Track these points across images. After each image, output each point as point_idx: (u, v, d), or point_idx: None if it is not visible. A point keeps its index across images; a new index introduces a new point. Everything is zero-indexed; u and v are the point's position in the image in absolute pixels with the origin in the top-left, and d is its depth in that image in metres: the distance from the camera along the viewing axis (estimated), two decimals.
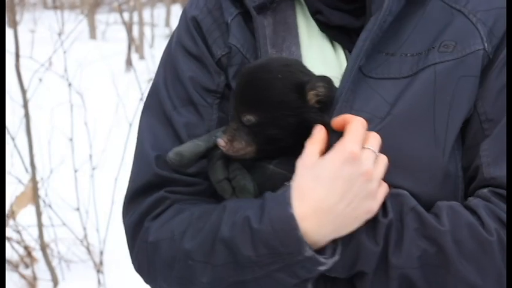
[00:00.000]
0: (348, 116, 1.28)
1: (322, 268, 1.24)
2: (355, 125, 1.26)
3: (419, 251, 1.26)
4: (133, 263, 1.46)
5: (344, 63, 1.39)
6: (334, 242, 1.26)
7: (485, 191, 1.32)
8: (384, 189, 1.28)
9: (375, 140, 1.28)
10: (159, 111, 1.45)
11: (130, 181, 1.47)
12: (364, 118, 1.29)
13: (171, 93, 1.45)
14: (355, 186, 1.24)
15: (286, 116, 1.29)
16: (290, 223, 1.22)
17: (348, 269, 1.27)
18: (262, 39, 1.39)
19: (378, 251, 1.26)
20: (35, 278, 4.41)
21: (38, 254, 4.49)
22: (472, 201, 1.32)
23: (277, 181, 1.30)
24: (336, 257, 1.26)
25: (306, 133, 1.29)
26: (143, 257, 1.40)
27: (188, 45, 1.46)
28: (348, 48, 1.41)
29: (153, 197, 1.40)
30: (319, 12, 1.43)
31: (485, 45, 1.36)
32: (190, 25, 1.47)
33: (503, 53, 1.37)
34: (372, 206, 1.26)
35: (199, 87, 1.43)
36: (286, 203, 1.24)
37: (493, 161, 1.33)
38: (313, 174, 1.25)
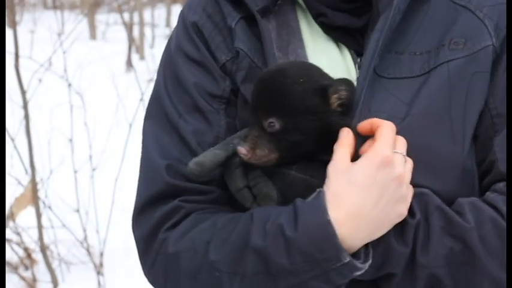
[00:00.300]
0: (375, 120, 1.28)
1: (358, 273, 1.24)
2: (385, 129, 1.26)
3: (446, 250, 1.27)
4: (147, 275, 1.42)
5: (350, 64, 1.39)
6: (366, 246, 1.26)
7: (501, 185, 1.33)
8: (411, 192, 1.28)
9: (402, 143, 1.28)
10: (164, 120, 1.42)
11: (139, 192, 1.43)
12: (383, 118, 1.29)
13: (175, 100, 1.42)
14: (388, 190, 1.24)
15: (310, 121, 1.27)
16: (327, 230, 1.21)
17: (376, 271, 1.27)
18: (269, 42, 1.37)
19: (407, 252, 1.27)
20: (34, 279, 4.40)
21: (37, 255, 4.48)
22: (490, 196, 1.33)
23: (300, 187, 1.29)
24: (370, 261, 1.25)
25: (328, 138, 1.28)
26: (161, 269, 1.37)
27: (190, 51, 1.44)
28: (353, 49, 1.40)
29: (167, 207, 1.36)
30: (322, 15, 1.41)
31: (494, 40, 1.37)
32: (190, 31, 1.44)
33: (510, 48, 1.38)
34: (403, 210, 1.26)
35: (205, 93, 1.41)
36: (322, 209, 1.22)
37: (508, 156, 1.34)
38: (348, 179, 1.24)
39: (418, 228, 1.27)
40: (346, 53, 1.41)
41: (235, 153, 1.29)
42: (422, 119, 1.32)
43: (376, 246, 1.26)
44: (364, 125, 1.28)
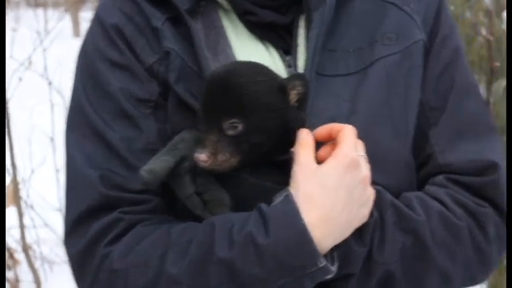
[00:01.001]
0: (335, 125, 1.27)
1: (329, 276, 1.23)
2: (347, 132, 1.25)
3: (399, 245, 1.28)
4: None
5: (278, 62, 1.38)
6: (330, 249, 1.25)
7: (440, 177, 1.35)
8: (373, 194, 1.28)
9: (361, 145, 1.27)
10: (88, 130, 1.36)
11: (70, 208, 1.36)
12: (329, 117, 1.29)
13: (99, 108, 1.35)
14: (356, 193, 1.24)
15: (271, 119, 1.24)
16: (303, 235, 1.19)
17: (337, 273, 1.26)
18: (198, 42, 1.34)
19: (365, 251, 1.27)
20: (17, 280, 4.37)
21: (20, 255, 4.44)
22: (431, 189, 1.34)
23: (254, 192, 1.26)
24: (337, 263, 1.24)
25: (285, 136, 1.26)
26: (103, 287, 1.29)
27: (113, 55, 1.37)
28: (280, 47, 1.39)
29: (105, 220, 1.30)
30: (250, 13, 1.39)
31: (423, 35, 1.39)
32: (111, 34, 1.38)
33: (437, 41, 1.40)
34: (366, 212, 1.26)
35: (132, 98, 1.35)
36: (295, 213, 1.19)
37: (446, 148, 1.35)
38: (318, 181, 1.22)
39: (375, 226, 1.27)
40: (273, 52, 1.39)
41: (183, 159, 1.25)
42: (367, 115, 1.32)
43: (337, 248, 1.25)
44: (321, 131, 1.27)
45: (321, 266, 1.20)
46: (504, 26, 3.36)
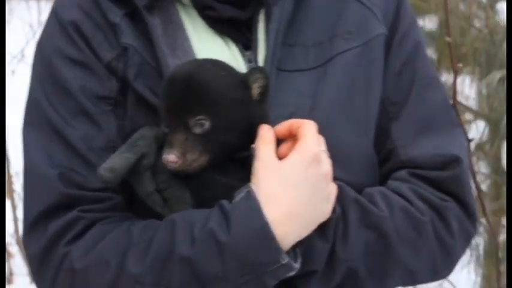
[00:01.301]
0: (294, 121, 1.26)
1: (292, 273, 1.21)
2: (308, 127, 1.24)
3: (363, 241, 1.26)
4: None
5: (238, 57, 1.36)
6: (293, 245, 1.23)
7: (403, 172, 1.34)
8: (335, 190, 1.26)
9: (322, 141, 1.26)
10: (47, 128, 1.33)
11: (28, 207, 1.33)
12: (290, 112, 1.28)
13: (58, 106, 1.33)
14: (318, 188, 1.22)
15: (237, 115, 1.22)
16: (265, 232, 1.17)
17: (300, 270, 1.24)
18: (157, 38, 1.32)
19: (328, 248, 1.25)
20: (11, 273, 4.37)
21: (13, 248, 4.45)
22: (394, 184, 1.33)
23: (215, 188, 1.24)
24: (300, 259, 1.22)
25: (249, 132, 1.24)
26: (64, 287, 1.27)
27: (71, 52, 1.34)
28: (239, 42, 1.37)
29: (64, 219, 1.27)
30: (209, 8, 1.37)
31: (383, 28, 1.38)
32: (69, 30, 1.35)
33: (397, 35, 1.38)
34: (328, 208, 1.24)
35: (91, 96, 1.33)
36: (257, 210, 1.18)
37: (408, 143, 1.34)
38: (280, 177, 1.20)
39: (338, 222, 1.25)
40: (233, 47, 1.37)
41: (143, 156, 1.22)
42: (328, 110, 1.31)
43: (299, 245, 1.23)
44: (281, 128, 1.25)
45: (283, 263, 1.18)
46: (498, 18, 3.37)
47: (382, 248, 1.28)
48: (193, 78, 1.21)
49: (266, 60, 1.33)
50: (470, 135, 3.55)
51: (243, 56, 1.36)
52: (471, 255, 3.52)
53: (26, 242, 1.33)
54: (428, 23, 3.89)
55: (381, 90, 1.37)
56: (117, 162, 1.22)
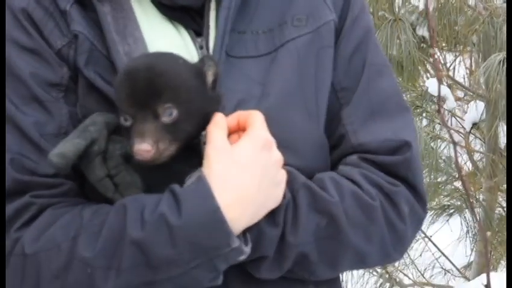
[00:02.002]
0: (241, 112, 1.26)
1: (242, 257, 1.20)
2: (256, 116, 1.24)
3: (313, 226, 1.26)
4: None
5: (190, 45, 1.36)
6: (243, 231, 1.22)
7: (353, 157, 1.34)
8: (285, 177, 1.27)
9: (268, 131, 1.27)
10: None
11: None
12: (240, 99, 1.30)
13: (9, 93, 1.31)
14: (269, 173, 1.22)
15: (198, 103, 1.22)
16: (216, 215, 1.16)
17: (249, 255, 1.22)
18: (107, 25, 1.31)
19: (278, 234, 1.24)
20: None
21: None
22: (344, 169, 1.34)
23: (166, 174, 1.22)
24: (250, 244, 1.21)
25: (204, 120, 1.24)
26: (15, 272, 1.24)
27: (22, 39, 1.33)
28: (191, 29, 1.38)
29: (16, 204, 1.25)
30: None
31: (333, 15, 1.39)
32: (20, 18, 1.34)
33: (347, 22, 1.40)
34: (280, 194, 1.24)
35: (42, 82, 1.31)
36: (207, 193, 1.16)
37: (359, 128, 1.35)
38: (231, 161, 1.19)
39: (288, 207, 1.26)
40: (184, 34, 1.37)
41: (93, 142, 1.22)
42: (278, 97, 1.32)
43: (249, 230, 1.22)
44: (230, 120, 1.25)
45: (234, 246, 1.17)
46: (500, 1, 3.44)
47: (332, 232, 1.27)
48: (156, 68, 1.20)
49: (215, 46, 1.34)
50: (469, 115, 3.67)
51: (194, 42, 1.37)
52: (467, 231, 3.63)
53: None
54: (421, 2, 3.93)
55: (331, 77, 1.38)
56: (67, 147, 1.21)
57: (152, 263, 1.16)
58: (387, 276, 3.33)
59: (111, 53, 1.29)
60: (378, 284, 3.35)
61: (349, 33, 1.39)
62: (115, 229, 1.18)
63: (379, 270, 3.39)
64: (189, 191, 1.17)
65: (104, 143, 1.22)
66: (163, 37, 1.34)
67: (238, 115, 1.24)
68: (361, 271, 3.47)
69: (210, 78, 1.23)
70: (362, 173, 1.32)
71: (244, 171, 1.19)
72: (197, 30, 1.36)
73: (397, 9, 3.37)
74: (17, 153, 1.27)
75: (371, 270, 3.42)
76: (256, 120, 1.23)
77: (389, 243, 1.32)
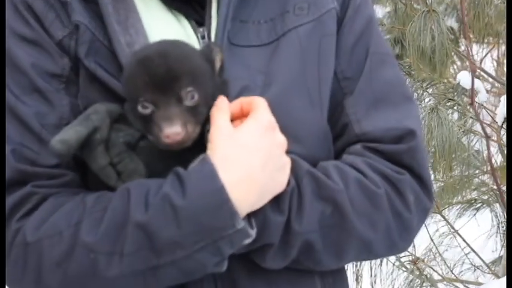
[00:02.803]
0: (244, 98, 1.26)
1: (248, 241, 1.19)
2: (259, 100, 1.24)
3: (318, 214, 1.25)
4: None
5: (191, 34, 1.35)
6: (247, 215, 1.21)
7: (358, 146, 1.34)
8: (289, 163, 1.26)
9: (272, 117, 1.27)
10: None
11: None
12: (243, 86, 1.29)
13: (10, 83, 1.31)
14: (274, 156, 1.22)
15: (211, 88, 1.22)
16: (220, 195, 1.15)
17: (252, 243, 1.22)
18: (108, 16, 1.31)
19: (283, 221, 1.24)
20: None
21: None
22: (348, 157, 1.33)
23: (168, 160, 1.21)
24: (255, 229, 1.21)
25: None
26: (17, 262, 1.23)
27: (22, 30, 1.33)
28: (193, 19, 1.37)
29: (18, 194, 1.25)
30: None
31: (335, 3, 1.38)
32: (21, 9, 1.34)
33: (349, 10, 1.39)
34: (284, 179, 1.24)
35: (44, 73, 1.31)
36: (212, 174, 1.16)
37: (362, 117, 1.34)
38: (235, 142, 1.19)
39: (292, 195, 1.24)
40: (186, 24, 1.36)
41: (95, 130, 1.21)
42: (281, 86, 1.31)
43: (254, 217, 1.21)
44: (233, 106, 1.24)
45: (239, 227, 1.16)
46: None
47: (337, 220, 1.26)
48: (171, 54, 1.19)
49: (217, 33, 1.33)
50: (502, 109, 3.61)
51: (196, 32, 1.36)
52: (497, 225, 3.59)
53: None
54: None
55: (334, 65, 1.37)
56: (69, 134, 1.20)
57: (156, 246, 1.15)
58: (418, 272, 3.28)
59: (113, 44, 1.28)
60: (409, 280, 3.30)
61: (351, 22, 1.38)
62: (118, 213, 1.17)
63: (408, 266, 3.34)
64: (193, 172, 1.17)
65: (107, 131, 1.22)
66: (164, 27, 1.34)
67: (241, 101, 1.23)
68: (390, 267, 3.41)
69: (217, 64, 1.22)
70: (366, 161, 1.30)
71: (248, 152, 1.19)
72: (199, 20, 1.35)
73: (429, 0, 3.31)
74: (18, 144, 1.27)
75: (400, 265, 3.38)
76: (259, 104, 1.22)
77: (395, 232, 1.31)
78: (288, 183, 1.24)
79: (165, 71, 1.17)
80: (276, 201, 1.23)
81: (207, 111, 1.21)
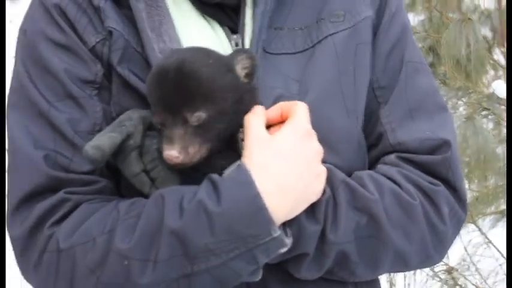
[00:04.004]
0: (284, 103, 1.25)
1: (283, 250, 1.18)
2: (300, 107, 1.23)
3: (353, 224, 1.23)
4: (28, 278, 1.28)
5: (224, 41, 1.35)
6: (282, 224, 1.19)
7: (392, 157, 1.33)
8: (325, 171, 1.24)
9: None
10: (31, 110, 1.30)
11: (13, 189, 1.29)
12: (278, 95, 1.27)
13: (42, 89, 1.30)
14: (310, 164, 1.21)
15: (228, 100, 1.20)
16: (256, 202, 1.14)
17: (288, 252, 1.20)
18: (142, 22, 1.30)
19: (319, 230, 1.22)
20: None
21: None
22: (383, 168, 1.32)
23: (202, 168, 1.21)
24: (291, 238, 1.20)
25: (240, 114, 1.22)
26: (49, 268, 1.23)
27: (56, 36, 1.32)
28: (226, 26, 1.36)
29: (50, 200, 1.24)
30: None
31: (371, 12, 1.37)
32: (54, 14, 1.33)
33: (385, 19, 1.38)
34: (320, 187, 1.23)
35: (76, 79, 1.30)
36: (248, 181, 1.15)
37: (397, 127, 1.34)
38: (273, 149, 1.18)
39: (328, 204, 1.23)
40: (219, 31, 1.36)
41: (129, 136, 1.21)
42: (317, 93, 1.30)
43: (290, 225, 1.20)
44: (272, 112, 1.24)
45: (275, 235, 1.15)
46: None
47: (373, 231, 1.25)
48: (185, 69, 1.19)
49: (252, 42, 1.32)
50: None
51: (230, 39, 1.35)
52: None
53: (10, 225, 1.29)
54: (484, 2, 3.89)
55: (370, 74, 1.36)
56: (103, 140, 1.19)
57: (190, 253, 1.13)
58: (452, 282, 3.25)
59: (146, 50, 1.27)
60: None
61: (386, 30, 1.37)
62: (152, 220, 1.16)
63: (443, 276, 3.32)
64: (228, 179, 1.16)
65: (140, 138, 1.21)
66: (198, 34, 1.33)
67: (281, 105, 1.22)
68: (424, 276, 3.39)
69: (240, 71, 1.21)
70: (401, 172, 1.29)
71: (284, 160, 1.17)
72: (232, 27, 1.34)
73: (465, 8, 3.30)
74: (51, 150, 1.26)
75: (434, 275, 3.35)
76: (299, 110, 1.21)
77: (430, 244, 1.29)
78: (324, 193, 1.23)
79: (174, 91, 1.18)
80: (312, 210, 1.22)
81: (225, 124, 1.20)
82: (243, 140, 1.21)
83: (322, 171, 1.23)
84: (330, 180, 1.24)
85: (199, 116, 1.17)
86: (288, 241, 1.18)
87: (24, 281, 1.32)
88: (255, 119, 1.21)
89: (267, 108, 1.24)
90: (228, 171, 1.17)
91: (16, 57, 1.37)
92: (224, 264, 1.15)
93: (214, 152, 1.21)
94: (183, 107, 1.18)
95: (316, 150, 1.22)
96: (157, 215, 1.16)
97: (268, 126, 1.23)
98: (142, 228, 1.17)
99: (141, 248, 1.16)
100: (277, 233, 1.15)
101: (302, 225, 1.21)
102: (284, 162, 1.18)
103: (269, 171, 1.16)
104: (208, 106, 1.18)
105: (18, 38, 1.38)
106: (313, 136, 1.22)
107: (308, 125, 1.22)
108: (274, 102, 1.27)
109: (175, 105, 1.18)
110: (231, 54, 1.24)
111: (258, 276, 1.20)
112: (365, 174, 1.30)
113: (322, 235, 1.22)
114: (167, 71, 1.19)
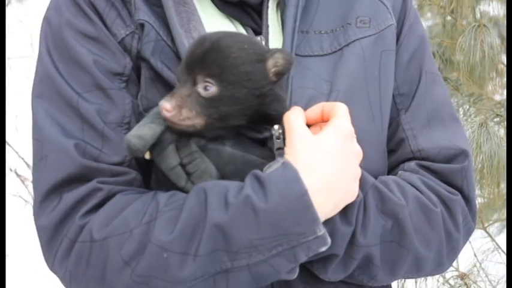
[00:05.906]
0: (325, 103, 1.26)
1: (324, 249, 1.19)
2: (342, 107, 1.24)
3: (380, 228, 1.26)
4: (54, 268, 1.28)
5: None
6: None
7: (412, 164, 1.35)
8: (360, 172, 1.26)
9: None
10: (59, 100, 1.30)
11: (42, 177, 1.28)
12: (310, 95, 1.29)
13: (70, 80, 1.30)
14: (352, 164, 1.23)
15: (247, 90, 1.21)
16: (305, 201, 1.15)
17: (321, 253, 1.22)
18: (172, 18, 1.31)
19: (350, 232, 1.24)
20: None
21: None
22: (404, 174, 1.34)
23: (238, 163, 1.21)
24: (329, 239, 1.20)
25: (262, 112, 1.23)
26: (78, 259, 1.22)
27: (84, 27, 1.32)
28: (249, 26, 1.37)
29: (82, 189, 1.24)
30: None
31: (394, 20, 1.40)
32: (82, 5, 1.33)
33: (406, 27, 1.42)
34: (357, 189, 1.24)
35: (105, 71, 1.31)
36: (295, 178, 1.16)
37: (418, 134, 1.36)
38: (318, 149, 1.19)
39: (359, 207, 1.24)
40: (240, 29, 1.37)
41: (166, 129, 1.20)
42: (344, 95, 1.32)
43: (323, 225, 1.20)
44: (312, 112, 1.25)
45: (319, 234, 1.16)
46: None
47: (396, 235, 1.27)
48: (218, 43, 1.21)
49: (284, 45, 1.33)
50: None
51: None
52: None
53: (37, 213, 1.28)
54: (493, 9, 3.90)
55: (393, 81, 1.39)
56: (144, 130, 1.20)
57: (232, 248, 1.14)
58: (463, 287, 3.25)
59: (177, 45, 1.28)
60: None
61: (406, 39, 1.40)
62: (194, 213, 1.16)
63: (452, 282, 3.32)
64: (274, 176, 1.16)
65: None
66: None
67: (323, 105, 1.23)
68: (434, 281, 3.39)
69: (271, 67, 1.20)
70: (422, 179, 1.31)
71: (330, 160, 1.19)
72: (255, 28, 1.35)
73: (479, 15, 3.31)
74: (80, 140, 1.26)
75: (444, 281, 3.34)
76: (341, 110, 1.22)
77: (444, 251, 1.32)
78: (357, 195, 1.24)
79: (198, 55, 1.20)
80: (344, 212, 1.23)
81: (234, 110, 1.20)
82: (278, 138, 1.22)
83: (359, 173, 1.25)
84: (360, 183, 1.26)
85: (208, 84, 1.18)
86: (330, 240, 1.18)
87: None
88: (296, 118, 1.21)
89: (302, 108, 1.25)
90: (270, 169, 1.17)
91: (40, 47, 1.36)
92: (265, 261, 1.15)
93: (214, 134, 1.21)
94: (198, 69, 1.19)
95: (358, 151, 1.24)
96: (199, 209, 1.16)
97: (307, 126, 1.24)
98: (184, 221, 1.16)
99: (182, 241, 1.15)
100: (322, 231, 1.16)
101: (336, 226, 1.22)
102: (329, 162, 1.19)
103: (314, 170, 1.17)
104: (223, 82, 1.18)
105: (42, 29, 1.37)
106: (353, 137, 1.24)
107: (350, 126, 1.23)
108: (308, 102, 1.29)
109: (194, 67, 1.20)
110: (271, 51, 1.24)
111: (295, 275, 1.21)
112: (390, 179, 1.31)
113: (352, 237, 1.23)
114: (205, 40, 1.21)
